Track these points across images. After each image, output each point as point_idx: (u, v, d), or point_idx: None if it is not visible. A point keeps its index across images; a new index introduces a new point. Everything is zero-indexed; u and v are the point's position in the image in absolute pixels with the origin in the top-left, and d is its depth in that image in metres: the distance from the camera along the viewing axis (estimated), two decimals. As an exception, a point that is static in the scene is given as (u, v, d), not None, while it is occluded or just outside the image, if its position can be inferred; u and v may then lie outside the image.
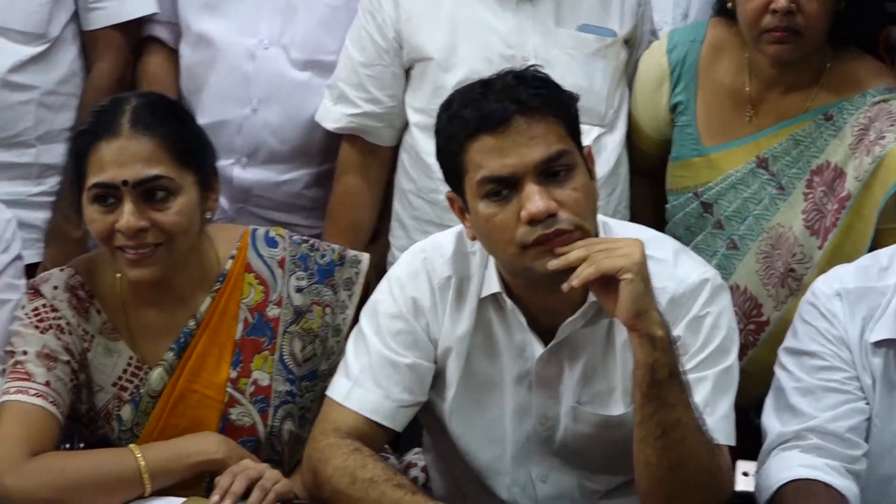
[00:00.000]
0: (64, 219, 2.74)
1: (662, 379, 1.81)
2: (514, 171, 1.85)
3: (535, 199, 1.83)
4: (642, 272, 1.80)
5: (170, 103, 2.21)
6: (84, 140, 2.07)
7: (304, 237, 2.29)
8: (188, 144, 2.12)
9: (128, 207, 2.00)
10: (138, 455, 1.98)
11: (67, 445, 2.22)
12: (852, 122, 2.46)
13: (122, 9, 2.80)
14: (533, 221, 1.83)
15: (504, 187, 1.86)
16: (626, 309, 1.80)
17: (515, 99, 1.88)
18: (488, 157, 1.87)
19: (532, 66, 1.99)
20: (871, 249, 2.27)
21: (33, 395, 2.01)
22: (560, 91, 1.94)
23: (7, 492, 1.93)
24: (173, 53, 2.86)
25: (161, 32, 2.84)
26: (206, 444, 2.05)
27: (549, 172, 1.87)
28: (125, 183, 2.00)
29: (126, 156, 2.02)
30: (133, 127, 2.04)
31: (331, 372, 2.15)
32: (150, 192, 2.03)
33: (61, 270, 2.19)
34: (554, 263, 1.83)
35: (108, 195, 2.02)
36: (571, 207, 1.86)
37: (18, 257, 2.31)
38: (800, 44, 2.40)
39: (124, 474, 1.98)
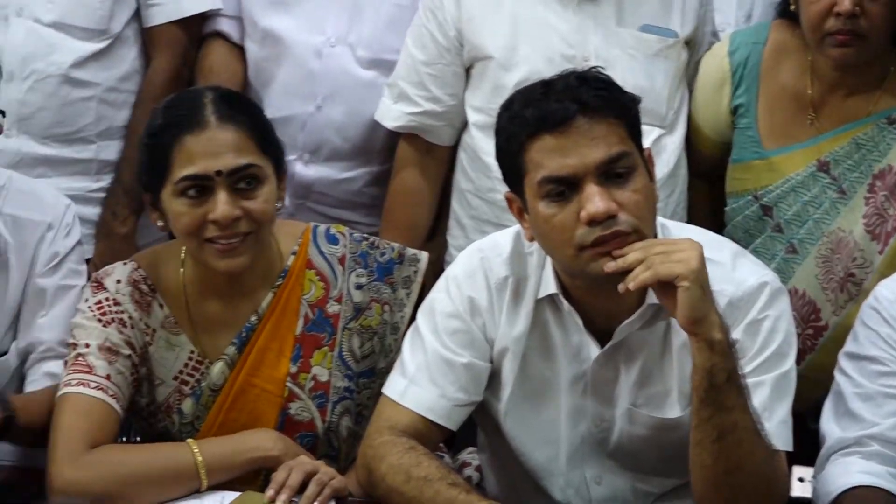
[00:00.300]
0: (112, 214, 2.77)
1: (720, 383, 1.80)
2: (574, 171, 1.84)
3: (595, 200, 1.82)
4: (700, 278, 1.79)
5: (241, 96, 2.23)
6: (167, 135, 2.06)
7: (365, 235, 2.30)
8: (268, 133, 2.14)
9: (222, 197, 2.01)
10: (195, 450, 1.99)
11: (124, 438, 2.24)
12: None
13: (181, 4, 2.81)
14: (592, 222, 1.82)
15: (564, 188, 1.86)
16: (684, 315, 1.79)
17: (577, 99, 1.87)
18: (549, 157, 1.86)
19: (594, 67, 1.98)
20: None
21: (94, 387, 2.02)
22: (622, 93, 1.94)
23: (66, 482, 1.93)
24: (236, 48, 2.86)
25: (226, 27, 2.84)
26: (262, 441, 2.05)
27: (610, 174, 1.86)
28: (219, 173, 2.01)
29: (216, 146, 2.03)
30: (219, 118, 2.06)
31: (388, 369, 2.15)
32: (239, 182, 2.04)
33: (124, 264, 2.20)
34: (611, 265, 1.82)
35: (199, 187, 2.02)
36: (631, 209, 1.86)
37: (80, 243, 2.34)
38: (863, 47, 2.37)
39: (181, 469, 1.98)
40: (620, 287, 1.81)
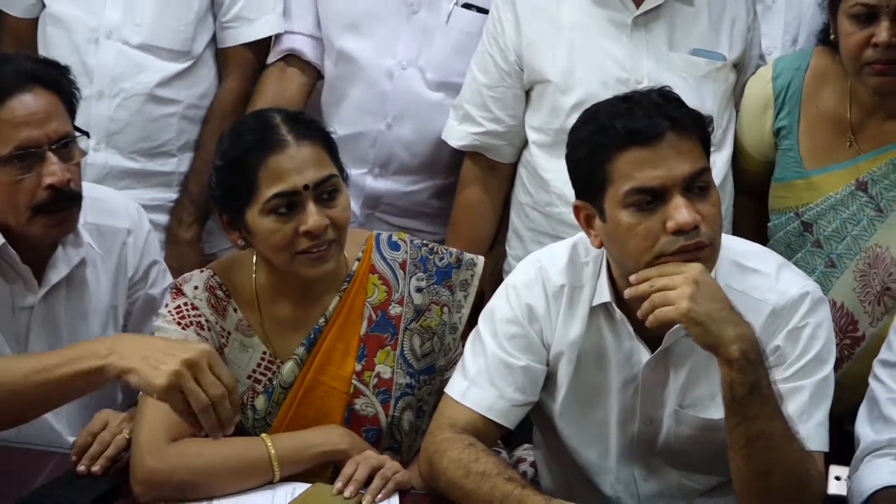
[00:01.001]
0: (178, 222, 2.81)
1: (742, 396, 1.83)
2: (663, 183, 1.87)
3: (683, 212, 1.85)
4: (694, 315, 1.81)
5: (304, 113, 2.25)
6: (250, 157, 2.08)
7: (424, 241, 2.33)
8: (333, 144, 2.18)
9: (312, 209, 2.05)
10: (269, 444, 2.02)
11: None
12: None
13: (252, 28, 2.83)
14: (679, 232, 1.86)
15: (651, 198, 1.88)
16: (696, 342, 1.84)
17: (667, 115, 1.90)
18: (638, 168, 1.88)
19: (661, 88, 1.99)
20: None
21: None
22: (700, 113, 1.97)
23: (148, 473, 1.96)
24: (308, 66, 2.87)
25: (300, 44, 2.85)
26: (331, 436, 2.09)
27: (693, 187, 1.89)
28: (306, 187, 2.05)
29: (300, 163, 2.06)
30: (296, 137, 2.09)
31: (447, 367, 2.20)
32: (322, 193, 2.08)
33: (201, 272, 2.23)
34: (628, 292, 1.88)
35: (289, 203, 2.05)
36: (710, 222, 1.90)
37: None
38: None
39: (256, 461, 2.02)
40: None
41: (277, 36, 2.85)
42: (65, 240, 2.16)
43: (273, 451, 2.02)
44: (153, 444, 1.99)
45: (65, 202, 2.07)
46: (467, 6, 2.77)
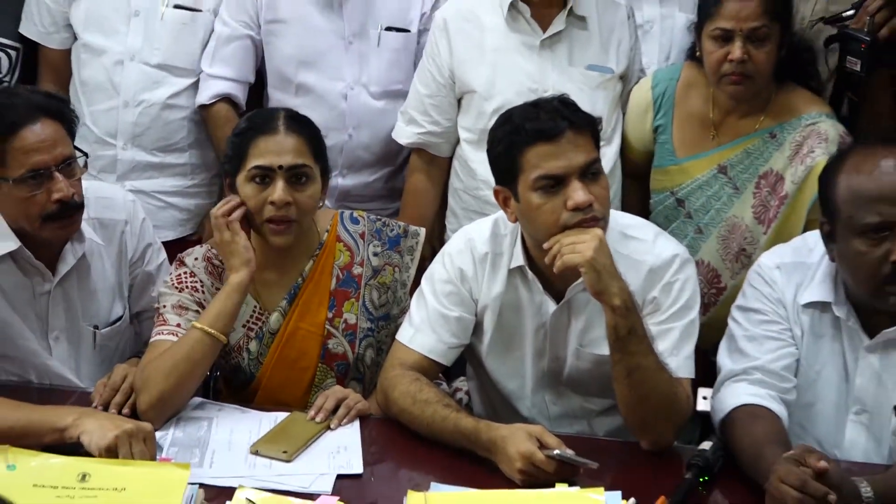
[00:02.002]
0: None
1: (622, 336, 1.86)
2: (564, 170, 1.88)
3: (579, 193, 1.86)
4: (595, 264, 1.83)
5: (306, 117, 2.23)
6: (248, 135, 2.11)
7: (379, 217, 2.33)
8: (320, 146, 2.17)
9: (279, 185, 2.05)
10: (199, 325, 2.02)
11: (210, 374, 2.25)
12: (790, 140, 2.43)
13: None
14: (577, 209, 1.87)
15: (554, 183, 1.88)
16: (588, 288, 1.87)
17: (566, 117, 1.91)
18: (544, 159, 1.89)
19: (560, 95, 2.00)
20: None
21: (167, 333, 2.06)
22: (592, 115, 1.98)
23: (143, 395, 1.97)
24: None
25: (233, 90, 2.78)
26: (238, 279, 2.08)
27: (586, 173, 1.90)
28: (280, 167, 2.06)
29: (282, 147, 2.08)
30: (287, 128, 2.11)
31: (399, 315, 2.20)
32: (294, 177, 2.08)
33: (201, 246, 2.23)
34: (546, 245, 1.90)
35: (265, 175, 2.06)
36: (601, 201, 1.91)
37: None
38: (750, 84, 2.38)
39: (199, 341, 2.01)
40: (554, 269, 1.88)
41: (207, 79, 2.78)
42: (72, 240, 2.13)
43: (204, 325, 2.02)
44: (140, 376, 2.01)
45: (70, 211, 2.05)
46: (390, 29, 2.74)
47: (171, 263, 2.24)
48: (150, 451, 1.80)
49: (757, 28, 2.34)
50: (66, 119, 2.07)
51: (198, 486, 1.71)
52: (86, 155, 2.15)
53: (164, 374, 1.98)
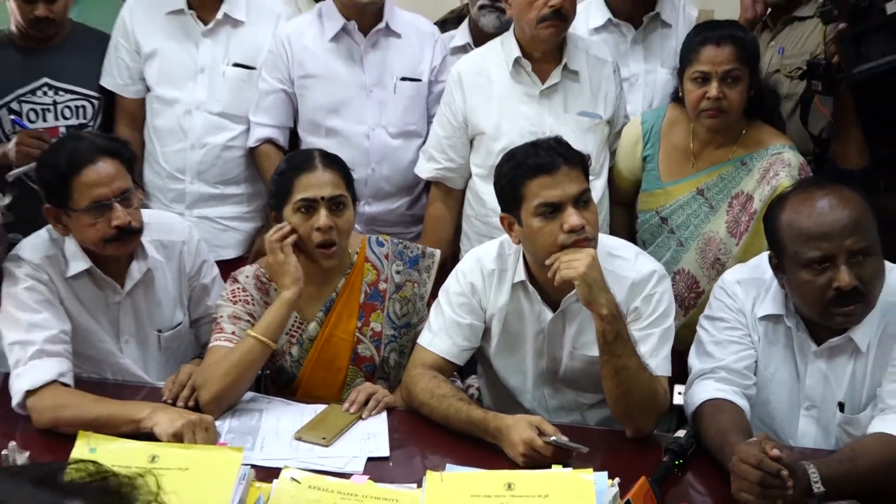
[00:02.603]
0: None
1: (610, 340, 1.88)
2: (560, 199, 1.90)
3: (574, 218, 1.89)
4: (587, 278, 1.85)
5: (336, 156, 2.24)
6: (290, 173, 2.12)
7: (401, 240, 2.34)
8: (350, 179, 2.18)
9: (323, 213, 2.08)
10: (253, 334, 2.04)
11: (260, 374, 2.24)
12: (759, 166, 2.43)
13: None
14: (571, 231, 1.89)
15: (552, 209, 1.91)
16: (580, 299, 1.89)
17: (561, 154, 1.93)
18: (543, 189, 1.91)
19: (555, 136, 2.03)
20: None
21: (223, 340, 2.08)
22: (583, 153, 2.00)
23: (203, 392, 2.01)
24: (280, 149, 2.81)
25: (274, 134, 2.80)
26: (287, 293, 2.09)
27: (579, 201, 1.92)
28: (322, 198, 2.08)
29: (321, 182, 2.10)
30: (324, 165, 2.12)
31: (419, 323, 2.22)
32: (334, 206, 2.10)
33: (252, 266, 2.24)
34: (548, 262, 1.92)
35: (309, 206, 2.08)
36: (592, 225, 1.93)
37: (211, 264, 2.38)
38: (724, 118, 2.40)
39: (252, 349, 2.04)
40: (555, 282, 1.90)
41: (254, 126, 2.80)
42: (136, 256, 2.16)
43: (255, 334, 2.04)
44: (200, 376, 2.05)
45: (128, 235, 2.07)
46: (404, 79, 2.75)
47: (230, 277, 2.25)
48: (211, 439, 1.85)
49: (730, 70, 2.35)
50: (125, 158, 2.08)
51: (249, 466, 1.72)
52: (142, 188, 2.16)
53: (222, 374, 2.01)
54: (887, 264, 1.90)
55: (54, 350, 2.00)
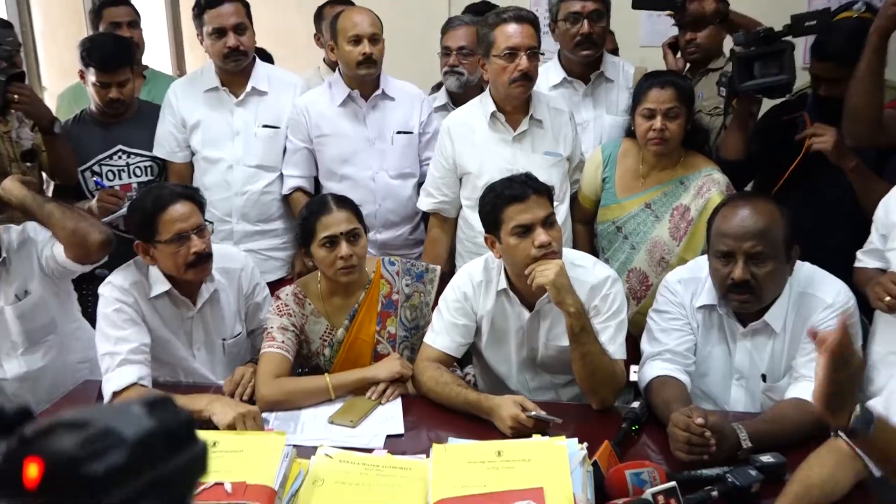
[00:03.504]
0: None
1: (577, 332, 1.91)
2: (531, 221, 1.93)
3: (542, 236, 1.92)
4: (556, 283, 1.88)
5: (346, 196, 2.25)
6: (312, 217, 2.13)
7: (408, 259, 2.34)
8: (360, 213, 2.19)
9: (343, 245, 2.09)
10: (328, 380, 2.06)
11: (299, 370, 2.28)
12: (694, 185, 2.44)
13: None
14: (541, 247, 1.92)
15: (525, 230, 1.93)
16: (552, 299, 1.90)
17: (530, 186, 1.96)
18: (518, 214, 1.93)
19: (526, 172, 2.04)
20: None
21: (275, 348, 2.10)
22: (548, 185, 2.02)
23: (263, 395, 2.01)
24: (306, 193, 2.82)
25: (302, 183, 2.83)
26: (361, 372, 2.10)
27: (546, 223, 1.94)
28: (341, 234, 2.10)
29: (338, 220, 2.10)
30: (338, 206, 2.13)
31: (425, 325, 2.21)
32: (351, 238, 2.10)
33: (291, 286, 2.25)
34: (527, 271, 1.94)
35: (332, 241, 2.09)
36: (557, 241, 1.95)
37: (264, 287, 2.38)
38: (667, 146, 2.42)
39: (320, 389, 2.05)
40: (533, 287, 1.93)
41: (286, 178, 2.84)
42: (206, 279, 2.19)
43: (329, 382, 2.06)
44: (265, 380, 2.05)
45: (204, 260, 2.11)
46: (400, 132, 2.77)
47: (274, 295, 2.27)
48: (259, 426, 1.88)
49: (671, 108, 2.39)
50: (197, 201, 2.13)
51: (292, 446, 1.73)
52: (212, 223, 2.21)
53: (288, 391, 2.03)
54: (801, 263, 1.94)
55: (136, 359, 2.03)
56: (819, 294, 1.91)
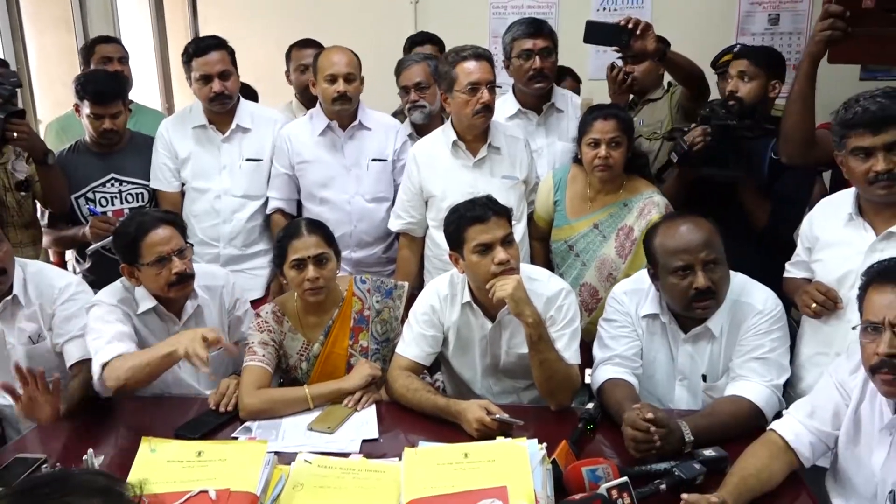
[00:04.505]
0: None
1: (535, 340, 1.89)
2: (490, 240, 1.92)
3: (502, 254, 1.91)
4: (514, 296, 1.87)
5: (319, 221, 2.23)
6: (285, 240, 2.10)
7: (379, 277, 2.30)
8: (331, 237, 2.15)
9: (311, 268, 2.05)
10: (307, 390, 2.02)
11: (279, 382, 2.23)
12: (637, 207, 2.44)
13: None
14: (500, 264, 1.91)
15: (486, 249, 1.92)
16: (511, 311, 1.89)
17: (490, 208, 1.95)
18: (479, 234, 1.92)
19: (487, 195, 2.03)
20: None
21: (256, 361, 2.06)
22: (507, 207, 2.01)
23: (245, 405, 1.97)
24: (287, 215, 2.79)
25: (283, 205, 2.79)
26: (336, 384, 2.06)
27: (505, 241, 1.93)
28: (309, 257, 2.05)
29: (307, 244, 2.07)
30: (308, 231, 2.10)
31: (395, 338, 2.18)
32: (318, 261, 2.07)
33: (268, 304, 2.21)
34: (488, 286, 1.92)
35: (300, 263, 2.06)
36: (514, 258, 1.94)
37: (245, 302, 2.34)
38: (611, 172, 2.41)
39: (300, 399, 2.01)
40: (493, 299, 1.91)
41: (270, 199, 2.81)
42: (190, 297, 2.15)
43: (308, 393, 2.01)
44: (248, 391, 1.99)
45: (185, 280, 2.08)
46: (375, 160, 2.75)
47: (255, 313, 2.23)
48: (204, 344, 1.81)
49: (614, 137, 2.38)
50: (178, 225, 2.10)
51: (273, 453, 1.70)
52: (191, 244, 2.16)
53: (268, 400, 2.00)
54: (733, 273, 1.94)
55: (123, 340, 1.99)
56: (750, 301, 1.92)
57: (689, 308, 1.88)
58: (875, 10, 1.88)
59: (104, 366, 1.92)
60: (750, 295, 1.93)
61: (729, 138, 2.42)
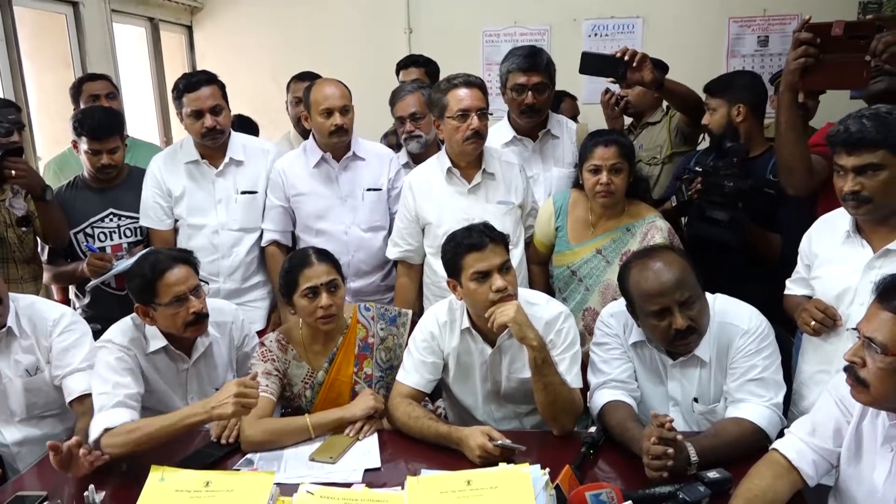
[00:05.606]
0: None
1: (539, 364, 1.92)
2: (488, 268, 1.94)
3: (499, 281, 1.93)
4: (517, 321, 1.89)
5: (326, 250, 2.24)
6: (294, 270, 2.12)
7: (382, 305, 2.34)
8: (338, 265, 2.19)
9: (324, 296, 2.09)
10: (308, 420, 2.04)
11: (283, 412, 2.24)
12: (640, 231, 2.46)
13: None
14: (498, 291, 1.93)
15: (483, 276, 1.94)
16: (515, 336, 1.91)
17: (487, 235, 1.97)
18: (477, 262, 1.94)
19: (483, 222, 2.05)
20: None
21: (260, 391, 2.03)
22: (503, 233, 2.03)
23: (247, 436, 1.98)
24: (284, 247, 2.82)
25: (278, 237, 2.82)
26: (337, 412, 2.07)
27: (502, 269, 1.95)
28: (322, 285, 2.09)
29: (318, 273, 2.10)
30: (318, 259, 2.13)
31: (398, 365, 2.20)
32: (330, 288, 2.10)
33: (273, 333, 2.24)
34: (488, 314, 1.95)
35: (313, 292, 2.09)
36: (512, 285, 1.96)
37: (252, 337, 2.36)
38: (613, 198, 2.44)
39: (301, 429, 2.03)
40: (494, 328, 1.94)
41: (265, 231, 2.82)
42: (201, 335, 2.18)
43: (309, 422, 2.04)
44: (250, 422, 2.01)
45: (202, 319, 2.10)
46: (370, 189, 2.77)
47: (258, 342, 2.25)
48: (252, 388, 1.85)
49: (615, 164, 2.41)
50: (192, 263, 2.11)
51: (276, 484, 1.71)
52: (207, 283, 2.19)
53: (270, 431, 2.01)
54: (710, 295, 1.97)
55: (130, 405, 1.98)
56: (735, 322, 1.93)
57: (672, 346, 1.93)
58: (843, 38, 1.92)
59: (107, 430, 1.90)
60: (734, 316, 1.94)
61: (726, 200, 2.48)
